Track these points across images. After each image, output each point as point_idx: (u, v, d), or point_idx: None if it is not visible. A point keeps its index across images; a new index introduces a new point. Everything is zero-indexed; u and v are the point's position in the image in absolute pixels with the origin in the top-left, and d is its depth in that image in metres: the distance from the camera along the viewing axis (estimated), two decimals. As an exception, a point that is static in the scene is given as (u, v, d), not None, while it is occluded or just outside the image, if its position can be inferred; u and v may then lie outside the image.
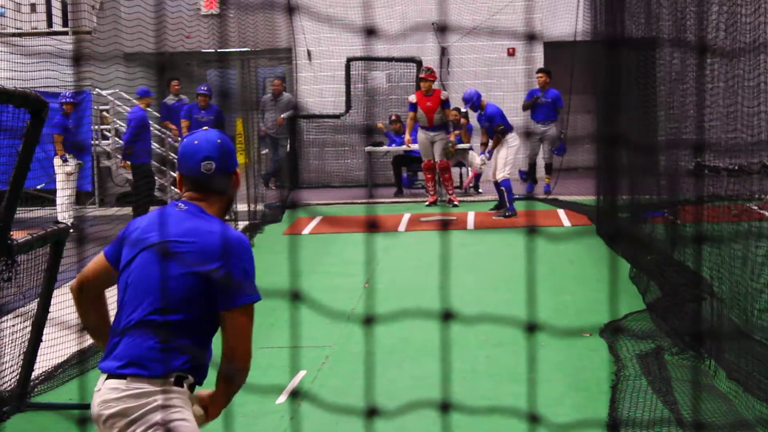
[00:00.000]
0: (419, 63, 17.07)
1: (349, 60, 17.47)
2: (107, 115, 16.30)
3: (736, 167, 6.30)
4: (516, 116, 15.27)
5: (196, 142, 3.42)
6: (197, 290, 3.20)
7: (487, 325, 6.99)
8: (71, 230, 6.41)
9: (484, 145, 13.79)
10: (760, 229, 6.02)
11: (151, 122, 14.51)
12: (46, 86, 11.05)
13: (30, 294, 6.17)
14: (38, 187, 14.19)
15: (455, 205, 14.56)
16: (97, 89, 15.26)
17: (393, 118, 16.99)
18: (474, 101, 13.40)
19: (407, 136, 15.11)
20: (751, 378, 5.55)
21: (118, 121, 16.08)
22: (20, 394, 6.01)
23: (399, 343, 7.36)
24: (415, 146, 15.07)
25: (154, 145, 15.54)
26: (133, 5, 13.01)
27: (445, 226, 12.96)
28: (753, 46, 5.99)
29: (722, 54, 6.56)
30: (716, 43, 6.80)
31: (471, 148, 16.00)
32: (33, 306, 6.10)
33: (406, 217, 13.74)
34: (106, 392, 3.19)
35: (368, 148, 16.76)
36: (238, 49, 15.64)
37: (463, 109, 15.14)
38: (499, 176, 13.20)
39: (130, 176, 14.41)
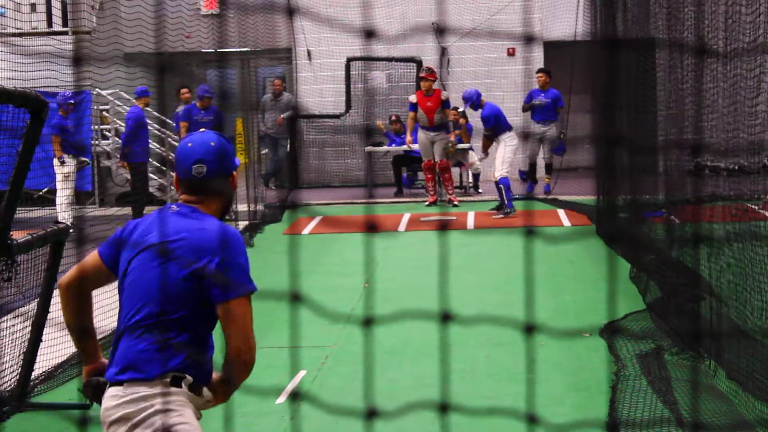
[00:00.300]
0: (419, 63, 17.05)
1: (349, 60, 17.45)
2: (107, 115, 16.29)
3: (736, 167, 6.30)
4: (516, 116, 15.26)
5: (190, 144, 3.44)
6: (193, 287, 3.21)
7: (487, 326, 6.97)
8: (71, 230, 6.42)
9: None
10: (760, 229, 6.01)
11: (149, 121, 14.49)
12: (45, 86, 11.05)
13: (30, 294, 6.17)
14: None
15: (455, 205, 14.56)
16: (97, 89, 15.26)
17: (393, 118, 16.98)
18: (474, 100, 13.40)
19: (408, 137, 15.09)
20: (751, 378, 5.55)
21: (117, 121, 16.07)
22: (20, 394, 6.01)
23: (399, 343, 7.36)
24: (415, 146, 15.07)
25: (154, 145, 15.53)
26: (133, 5, 13.02)
27: (444, 226, 12.95)
28: (752, 46, 5.99)
29: (722, 54, 6.56)
30: (716, 43, 6.80)
31: (471, 148, 15.99)
32: (33, 306, 6.11)
33: (406, 217, 13.74)
34: (108, 400, 3.23)
35: (368, 148, 16.75)
36: (238, 49, 15.64)
37: (461, 109, 15.13)
38: (497, 174, 13.20)
39: (129, 176, 14.41)
